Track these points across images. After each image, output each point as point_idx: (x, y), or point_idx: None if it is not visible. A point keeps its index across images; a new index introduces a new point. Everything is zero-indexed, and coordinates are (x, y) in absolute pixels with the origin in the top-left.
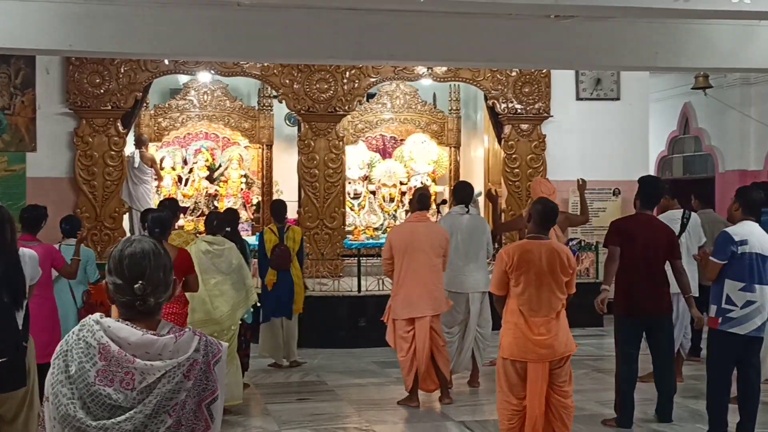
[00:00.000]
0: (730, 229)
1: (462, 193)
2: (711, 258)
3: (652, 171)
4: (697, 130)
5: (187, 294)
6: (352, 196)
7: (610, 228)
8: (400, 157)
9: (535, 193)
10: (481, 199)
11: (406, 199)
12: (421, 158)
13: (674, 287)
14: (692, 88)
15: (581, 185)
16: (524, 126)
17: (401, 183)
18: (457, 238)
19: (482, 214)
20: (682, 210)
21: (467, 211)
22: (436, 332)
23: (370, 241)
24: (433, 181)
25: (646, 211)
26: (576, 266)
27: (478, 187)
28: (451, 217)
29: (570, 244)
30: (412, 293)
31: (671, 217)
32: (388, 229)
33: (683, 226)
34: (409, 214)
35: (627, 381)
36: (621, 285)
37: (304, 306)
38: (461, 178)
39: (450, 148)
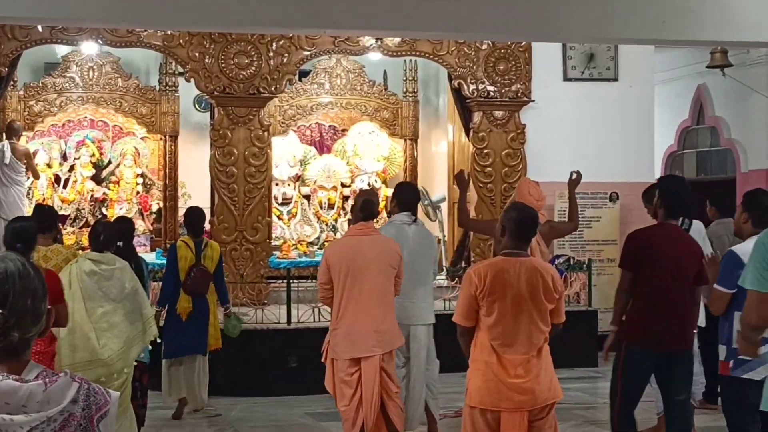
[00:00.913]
0: (738, 248)
1: (406, 196)
2: (716, 287)
3: (657, 170)
4: (713, 120)
5: (55, 329)
6: (280, 201)
7: (628, 242)
8: (341, 152)
9: (520, 197)
10: (444, 206)
11: (350, 204)
12: (369, 153)
13: None
14: (707, 67)
15: (574, 180)
16: (498, 113)
17: (343, 185)
18: (404, 253)
19: (446, 225)
20: (680, 218)
21: (414, 221)
22: (388, 375)
23: (304, 259)
24: (384, 182)
25: (671, 221)
26: (563, 290)
27: (441, 189)
28: (394, 228)
29: (556, 262)
30: (356, 326)
31: None
32: (326, 245)
33: None
34: (352, 225)
35: (626, 422)
36: (636, 312)
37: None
38: (418, 178)
39: (405, 140)
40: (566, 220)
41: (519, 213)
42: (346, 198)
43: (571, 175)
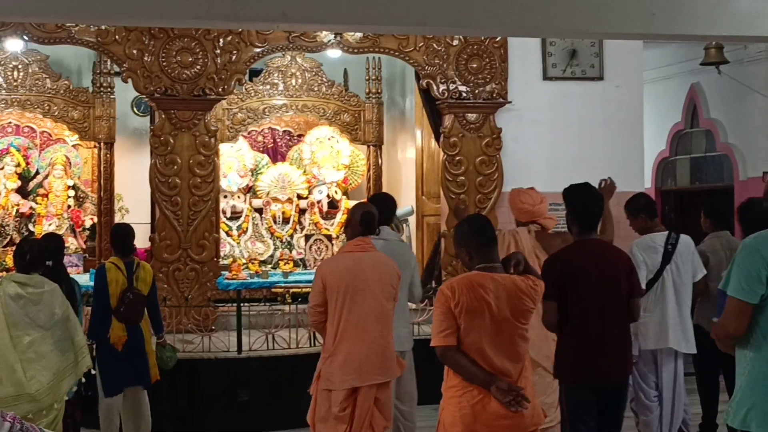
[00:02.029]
0: None
1: (380, 207)
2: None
3: (648, 178)
4: (708, 122)
5: None
6: (229, 215)
7: (546, 270)
8: (297, 159)
9: (516, 212)
10: (412, 219)
11: (307, 218)
12: (328, 161)
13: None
14: (701, 64)
15: (607, 188)
16: (471, 116)
17: (299, 197)
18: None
19: (414, 240)
20: (666, 233)
21: (389, 232)
22: (381, 407)
23: (256, 279)
24: (345, 193)
25: (590, 235)
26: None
27: (408, 200)
28: (383, 243)
29: None
30: (358, 352)
31: (649, 243)
32: (281, 263)
33: (667, 256)
34: (347, 239)
35: None
36: (567, 347)
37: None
38: (383, 189)
39: (368, 147)
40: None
41: (472, 224)
42: (302, 211)
43: (601, 183)
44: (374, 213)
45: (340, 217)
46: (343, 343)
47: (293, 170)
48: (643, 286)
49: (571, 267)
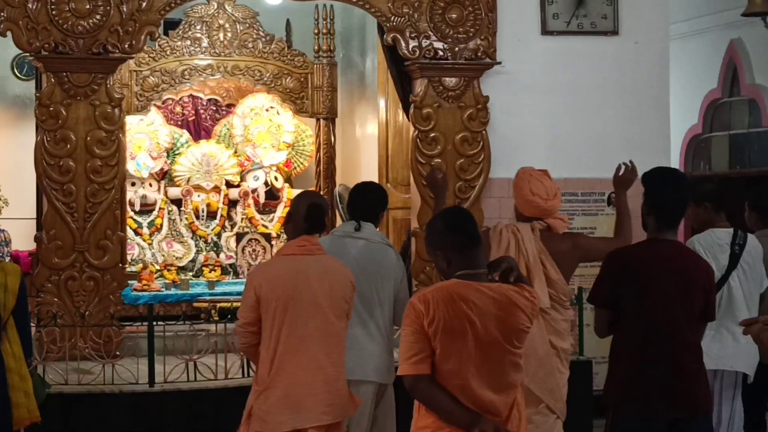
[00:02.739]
0: None
1: (361, 198)
2: None
3: (675, 160)
4: (752, 89)
5: None
6: (138, 208)
7: (606, 268)
8: (226, 137)
9: (522, 203)
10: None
11: (239, 213)
12: (266, 139)
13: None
14: (743, 15)
15: (624, 177)
16: (450, 81)
17: (229, 184)
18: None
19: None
20: (731, 230)
21: (374, 232)
22: None
23: (173, 291)
24: (287, 180)
25: (666, 234)
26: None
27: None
28: (330, 241)
29: None
30: (301, 385)
31: (712, 242)
32: (206, 270)
33: (734, 258)
34: (288, 239)
35: None
36: (622, 369)
37: (41, 411)
38: (338, 172)
39: (318, 120)
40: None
41: (448, 219)
42: (232, 203)
43: (619, 168)
44: (323, 205)
45: (281, 210)
46: (281, 374)
47: (221, 150)
48: None
49: (638, 269)
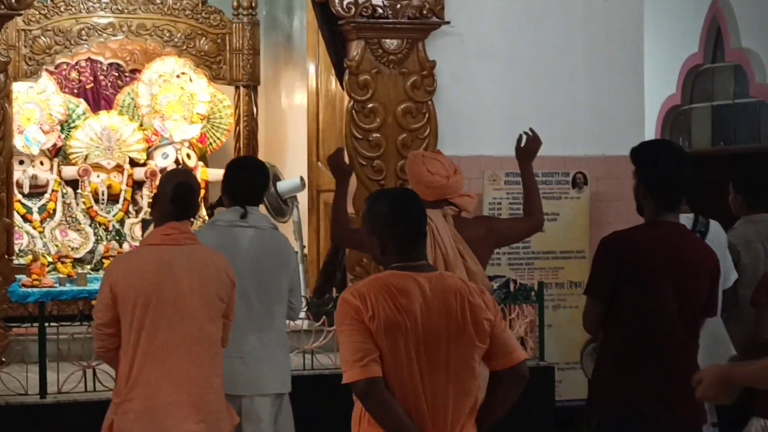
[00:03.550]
0: None
1: (241, 181)
2: None
3: (650, 135)
4: (738, 54)
5: None
6: (26, 191)
7: (601, 252)
8: (130, 107)
9: (417, 182)
10: (303, 196)
11: (145, 196)
12: (177, 110)
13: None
14: None
15: (527, 147)
16: (391, 43)
17: (134, 163)
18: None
19: (305, 228)
20: (691, 216)
21: (261, 217)
22: None
23: (68, 287)
24: (202, 158)
25: (668, 217)
26: (498, 313)
27: (296, 168)
28: (215, 233)
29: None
30: (162, 399)
31: None
32: (107, 262)
33: None
34: (151, 228)
35: None
36: (613, 367)
37: None
38: (261, 149)
39: (237, 88)
40: (519, 215)
41: (395, 207)
42: (139, 185)
43: (520, 138)
44: (192, 185)
45: None
46: (141, 385)
47: (124, 123)
48: None
49: (639, 256)
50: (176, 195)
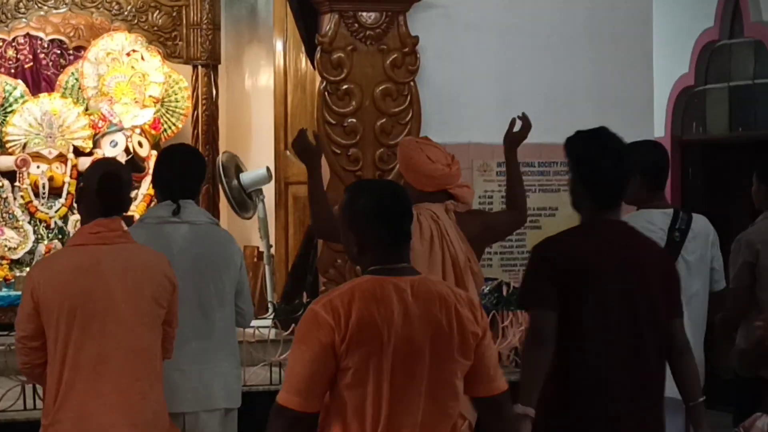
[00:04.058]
0: None
1: (173, 171)
2: None
3: (660, 120)
4: (758, 29)
5: None
6: None
7: (537, 260)
8: (74, 89)
9: (412, 170)
10: (270, 189)
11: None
12: (127, 92)
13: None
14: None
15: (516, 134)
16: (368, 16)
17: (79, 152)
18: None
19: (272, 226)
20: (670, 211)
21: (197, 210)
22: None
23: (5, 292)
24: (155, 146)
25: (609, 214)
26: (489, 332)
27: (262, 158)
28: (144, 231)
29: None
30: (92, 419)
31: (642, 226)
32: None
33: (673, 247)
34: (81, 224)
35: None
36: (562, 386)
37: None
38: (222, 136)
39: (195, 68)
40: (504, 208)
41: (376, 197)
42: (84, 176)
43: (513, 123)
44: (121, 176)
45: (147, 187)
46: (70, 404)
47: (67, 107)
48: None
49: (578, 262)
50: (102, 188)
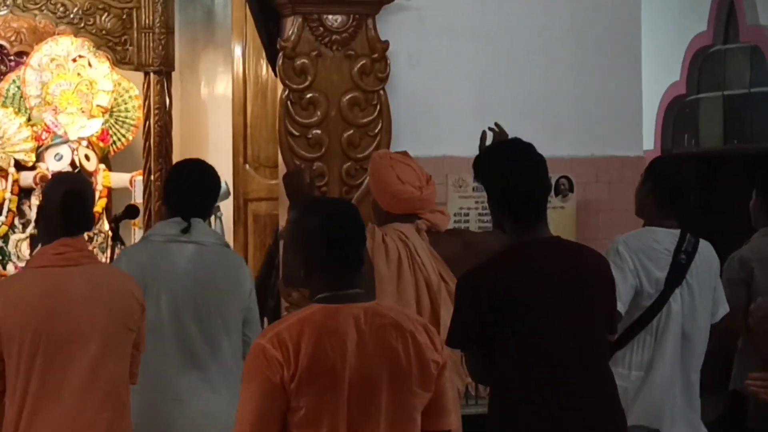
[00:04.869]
0: None
1: (187, 188)
2: None
3: (649, 133)
4: (754, 32)
5: None
6: None
7: (464, 295)
8: (15, 98)
9: (382, 190)
10: (227, 206)
11: (34, 206)
12: (73, 101)
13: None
14: None
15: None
16: (335, 19)
17: (20, 166)
18: (162, 302)
19: (230, 241)
20: (677, 231)
21: (206, 230)
22: None
23: None
24: (104, 160)
25: (532, 233)
26: (448, 362)
27: (220, 172)
28: (147, 250)
29: None
30: None
31: (645, 245)
32: None
33: (678, 270)
34: (41, 244)
35: None
36: (514, 404)
37: None
38: (176, 148)
39: (146, 75)
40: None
41: (327, 220)
42: (26, 192)
43: (484, 136)
44: (85, 191)
45: (96, 202)
46: None
47: (8, 118)
48: (623, 312)
49: (511, 290)
50: (66, 205)
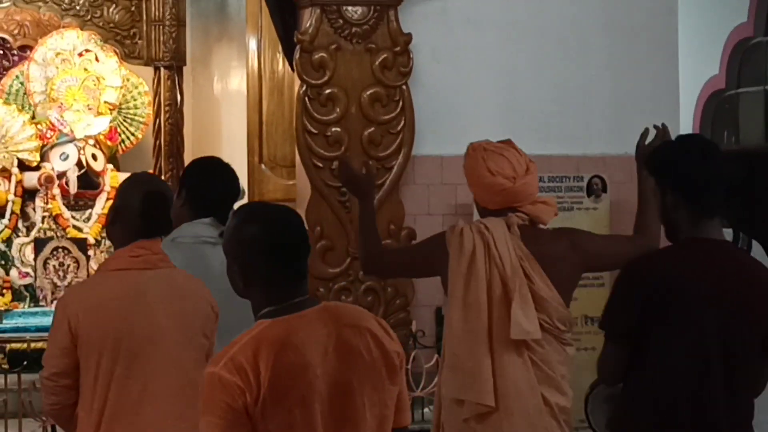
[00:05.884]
0: None
1: (216, 184)
2: None
3: (686, 126)
4: None
5: None
6: None
7: (623, 285)
8: (18, 94)
9: (477, 184)
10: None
11: (39, 208)
12: (80, 98)
13: None
14: None
15: (654, 144)
16: (355, 11)
17: (24, 165)
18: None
19: None
20: (730, 230)
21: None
22: None
23: None
24: (112, 159)
25: (707, 230)
26: (404, 357)
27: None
28: (180, 252)
29: None
30: None
31: None
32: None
33: None
34: (116, 247)
35: None
36: (639, 424)
37: None
38: (187, 147)
39: (157, 70)
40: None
41: (265, 228)
42: (30, 194)
43: (644, 135)
44: (166, 193)
45: (103, 204)
46: None
47: (11, 115)
48: None
49: (670, 287)
50: (147, 206)
